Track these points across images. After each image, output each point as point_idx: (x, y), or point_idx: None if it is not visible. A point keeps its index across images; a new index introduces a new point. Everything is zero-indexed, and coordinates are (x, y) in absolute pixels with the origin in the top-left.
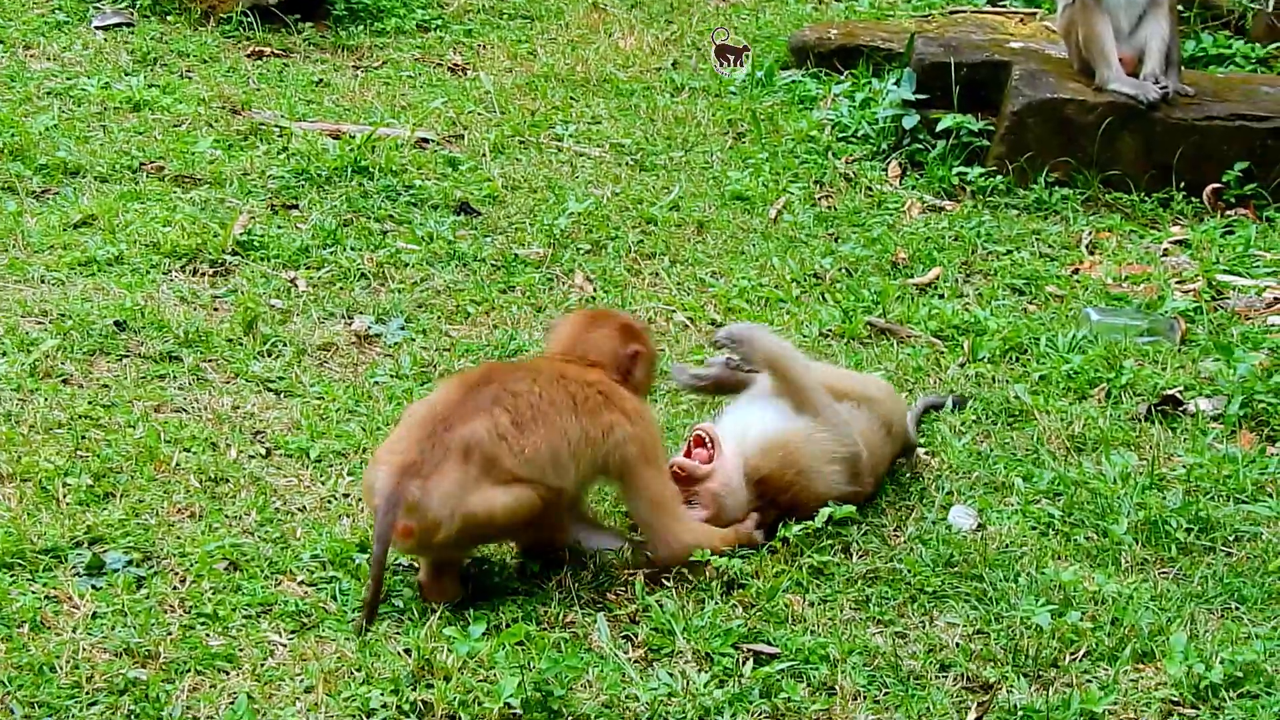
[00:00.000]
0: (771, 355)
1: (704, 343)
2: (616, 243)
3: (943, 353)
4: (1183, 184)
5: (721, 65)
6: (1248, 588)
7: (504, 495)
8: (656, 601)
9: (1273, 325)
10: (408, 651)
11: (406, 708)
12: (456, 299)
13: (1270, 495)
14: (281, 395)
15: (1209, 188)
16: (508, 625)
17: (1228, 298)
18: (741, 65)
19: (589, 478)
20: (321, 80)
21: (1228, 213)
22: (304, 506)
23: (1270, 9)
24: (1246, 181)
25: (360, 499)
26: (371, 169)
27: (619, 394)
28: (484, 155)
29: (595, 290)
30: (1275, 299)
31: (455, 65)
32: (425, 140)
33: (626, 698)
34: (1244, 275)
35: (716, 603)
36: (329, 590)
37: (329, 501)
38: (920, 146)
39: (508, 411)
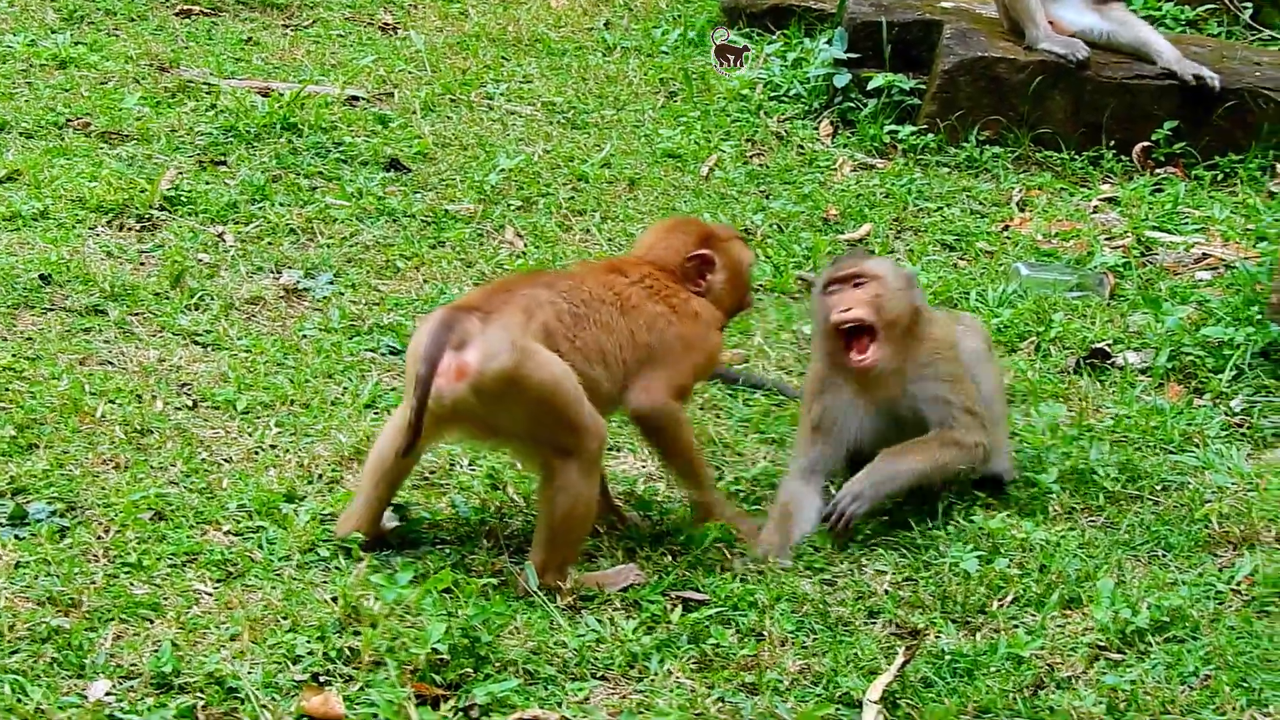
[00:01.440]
0: None
1: None
2: (547, 199)
3: None
4: (1113, 142)
5: (721, 65)
6: (1174, 535)
7: (559, 364)
8: (585, 552)
9: (1200, 280)
10: (334, 599)
11: (333, 654)
12: (386, 254)
13: (1197, 445)
14: (209, 348)
15: (1138, 146)
16: (435, 573)
17: (1156, 254)
18: (741, 65)
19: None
20: (250, 38)
21: (1157, 171)
22: (230, 457)
23: None
24: (1176, 140)
25: (287, 449)
26: (301, 126)
27: (671, 290)
28: (414, 113)
29: (526, 246)
30: (1203, 255)
31: (386, 24)
32: (355, 98)
33: (555, 644)
34: (1172, 232)
35: (646, 551)
36: (255, 540)
37: (256, 452)
38: (852, 105)
39: (565, 299)
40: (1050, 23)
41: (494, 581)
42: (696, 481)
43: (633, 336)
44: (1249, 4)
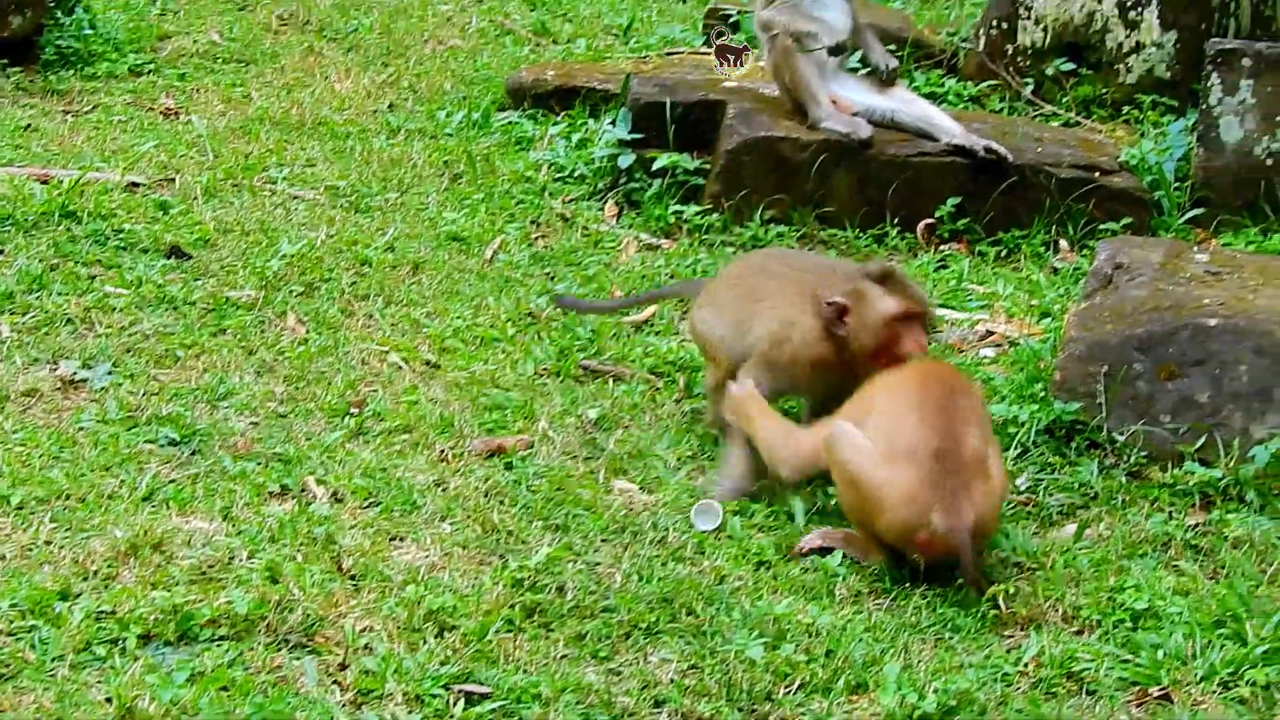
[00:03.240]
0: None
1: (416, 383)
2: (330, 284)
3: (659, 389)
4: (897, 219)
5: (721, 65)
6: (961, 617)
7: None
8: (366, 645)
9: (985, 357)
10: (109, 700)
11: None
12: (165, 343)
13: None
14: None
15: (923, 223)
16: (212, 671)
17: (941, 331)
18: (741, 64)
19: None
20: (30, 125)
21: (941, 247)
22: (3, 555)
23: (981, 48)
24: (959, 216)
25: (62, 545)
26: (80, 213)
27: None
28: (196, 199)
29: (308, 332)
30: (988, 331)
31: (168, 109)
32: (136, 184)
33: None
34: (957, 309)
35: (429, 645)
36: (28, 640)
37: (29, 549)
38: (637, 186)
39: None
40: (833, 102)
41: (272, 679)
42: None
43: None
44: (1030, 80)
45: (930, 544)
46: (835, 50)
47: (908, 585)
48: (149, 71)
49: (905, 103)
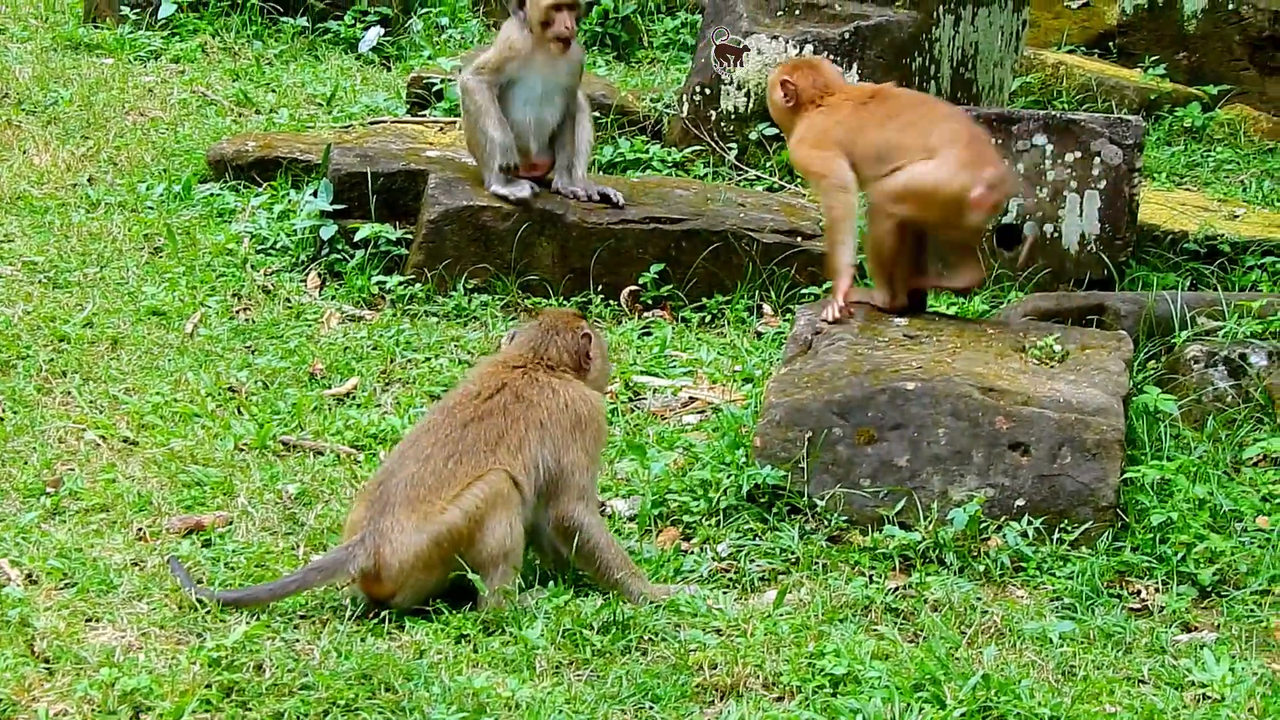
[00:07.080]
0: None
1: (114, 460)
2: (26, 362)
3: (359, 463)
4: (600, 287)
5: (721, 65)
6: (662, 687)
7: None
8: None
9: (687, 424)
10: None
11: None
12: None
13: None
14: None
15: (626, 290)
16: None
17: (645, 398)
18: (741, 64)
19: None
20: None
21: (645, 314)
22: None
23: (685, 113)
24: (662, 283)
25: None
26: None
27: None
28: None
29: (4, 411)
30: (691, 398)
31: None
32: None
33: None
34: (661, 375)
35: None
36: None
37: None
38: (339, 257)
39: None
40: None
41: None
42: None
43: None
44: (734, 145)
45: None
46: None
47: (608, 655)
48: None
49: None
